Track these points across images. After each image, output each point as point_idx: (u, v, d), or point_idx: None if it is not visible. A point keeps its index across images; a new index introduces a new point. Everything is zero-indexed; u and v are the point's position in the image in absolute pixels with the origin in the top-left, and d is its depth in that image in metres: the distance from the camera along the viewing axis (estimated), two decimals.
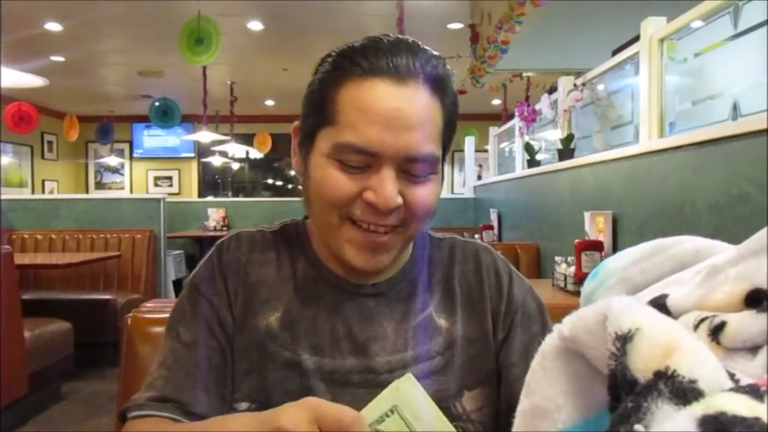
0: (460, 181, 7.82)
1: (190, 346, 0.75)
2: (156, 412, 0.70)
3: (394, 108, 0.67)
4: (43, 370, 3.23)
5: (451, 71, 0.73)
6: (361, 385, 0.74)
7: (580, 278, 2.31)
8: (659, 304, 0.40)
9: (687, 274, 0.43)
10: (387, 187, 0.67)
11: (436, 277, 0.82)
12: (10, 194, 7.34)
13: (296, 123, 0.78)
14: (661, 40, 2.40)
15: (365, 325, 0.77)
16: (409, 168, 0.69)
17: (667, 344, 0.26)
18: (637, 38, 2.58)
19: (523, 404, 0.33)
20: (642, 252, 0.47)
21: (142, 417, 0.71)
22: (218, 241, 0.82)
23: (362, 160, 0.68)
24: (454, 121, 0.74)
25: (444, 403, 0.75)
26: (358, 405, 0.72)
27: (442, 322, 0.79)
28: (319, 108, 0.71)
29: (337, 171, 0.69)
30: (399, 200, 0.69)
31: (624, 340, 0.27)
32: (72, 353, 3.57)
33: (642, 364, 0.26)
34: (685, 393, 0.25)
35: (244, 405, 0.74)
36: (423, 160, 0.69)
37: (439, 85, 0.70)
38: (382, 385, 0.74)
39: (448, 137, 0.74)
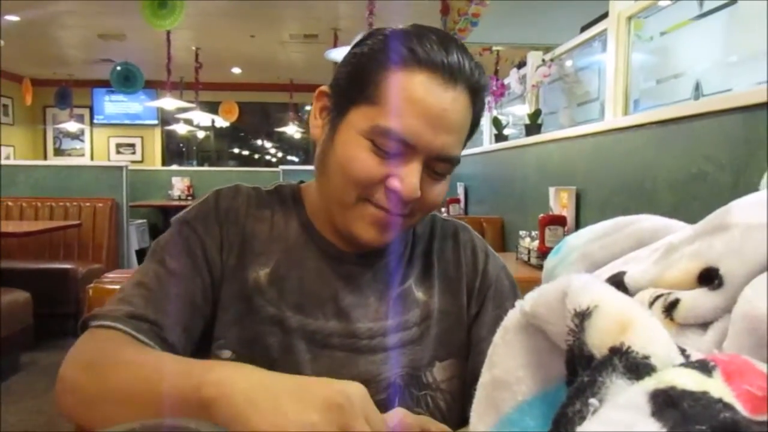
0: None
1: (174, 274, 0.74)
2: (133, 332, 0.66)
3: (442, 108, 0.69)
4: (1, 340, 3.16)
5: (488, 82, 0.76)
6: (340, 348, 0.76)
7: (543, 252, 2.35)
8: (617, 280, 0.41)
9: (645, 252, 0.44)
10: (414, 179, 0.70)
11: (417, 252, 0.85)
12: None
13: (323, 87, 0.77)
14: (629, 18, 2.42)
15: (350, 292, 0.79)
16: (435, 165, 0.72)
17: (623, 321, 0.27)
18: (605, 15, 2.60)
19: (485, 377, 0.34)
20: (602, 229, 0.49)
21: (114, 329, 0.66)
22: (216, 189, 0.83)
23: (396, 148, 0.69)
24: (474, 130, 0.77)
25: (416, 372, 0.78)
26: (337, 367, 0.74)
27: (420, 294, 0.82)
28: (362, 84, 0.71)
29: (367, 152, 0.70)
30: (420, 193, 0.71)
31: (582, 316, 0.27)
32: (31, 324, 3.50)
33: (599, 340, 0.26)
34: (638, 368, 0.25)
35: (227, 353, 0.75)
36: (449, 161, 0.72)
37: (478, 94, 0.73)
38: (361, 351, 0.77)
39: (466, 141, 0.77)
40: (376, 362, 0.76)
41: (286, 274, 0.78)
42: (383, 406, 0.62)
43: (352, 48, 0.75)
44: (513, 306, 0.84)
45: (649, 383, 0.24)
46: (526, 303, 0.32)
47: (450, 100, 0.69)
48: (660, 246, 0.42)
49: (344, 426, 0.46)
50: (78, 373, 0.62)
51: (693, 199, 1.74)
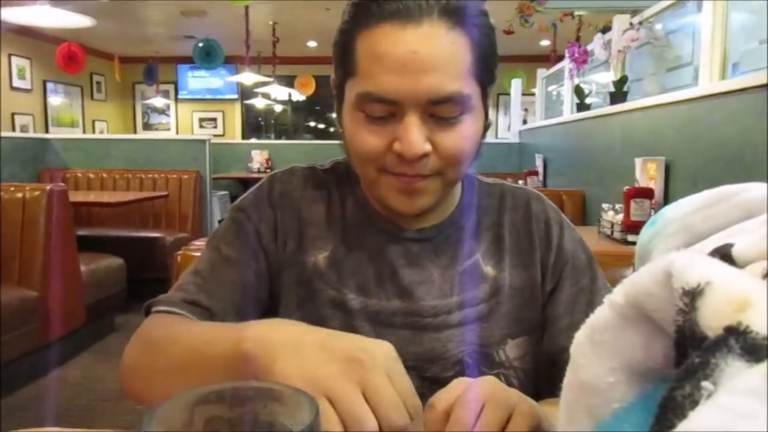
0: (505, 126, 7.64)
1: (228, 261, 0.76)
2: (186, 314, 0.70)
3: (409, 51, 0.64)
4: (98, 302, 3.40)
5: None
6: (405, 327, 0.75)
7: (627, 226, 2.25)
8: (724, 253, 0.38)
9: (754, 223, 0.40)
10: (411, 134, 0.65)
11: (484, 224, 0.81)
12: (62, 134, 7.58)
13: (332, 76, 0.76)
14: None
15: (411, 269, 0.77)
16: (436, 111, 0.66)
17: (740, 298, 0.24)
18: None
19: (569, 378, 0.31)
20: (705, 199, 0.45)
21: (170, 313, 0.71)
22: (271, 173, 0.83)
23: (385, 110, 0.66)
24: (487, 51, 0.69)
25: (487, 349, 0.76)
26: (402, 345, 0.73)
27: (489, 269, 0.78)
28: (343, 59, 0.70)
29: (363, 125, 0.68)
30: (427, 147, 0.67)
31: (693, 295, 0.25)
32: (125, 288, 3.73)
33: (713, 320, 0.24)
34: (757, 350, 0.23)
35: None
36: (448, 100, 0.65)
37: (459, 16, 0.65)
38: (425, 329, 0.75)
39: (485, 70, 0.69)
40: (441, 340, 0.75)
41: (345, 256, 0.77)
42: None
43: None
44: (590, 281, 0.80)
45: None
46: (617, 295, 0.29)
47: (419, 39, 0.63)
48: None
49: (362, 380, 0.45)
50: (137, 352, 0.67)
51: None
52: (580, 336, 0.31)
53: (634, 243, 0.48)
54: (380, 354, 0.47)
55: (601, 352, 0.30)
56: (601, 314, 0.30)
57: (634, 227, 2.19)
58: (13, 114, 7.55)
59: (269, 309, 0.78)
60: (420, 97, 0.64)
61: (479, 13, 0.68)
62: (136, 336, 0.69)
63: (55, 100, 8.56)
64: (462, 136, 0.68)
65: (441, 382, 0.61)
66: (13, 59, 7.59)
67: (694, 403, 0.21)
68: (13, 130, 7.40)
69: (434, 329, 0.75)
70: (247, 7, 5.92)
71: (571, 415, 0.31)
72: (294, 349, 0.48)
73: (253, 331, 0.52)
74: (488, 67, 0.70)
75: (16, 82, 7.68)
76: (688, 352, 0.24)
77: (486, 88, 0.71)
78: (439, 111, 0.66)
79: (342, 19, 0.70)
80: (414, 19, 0.64)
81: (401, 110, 0.66)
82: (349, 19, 0.69)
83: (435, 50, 0.64)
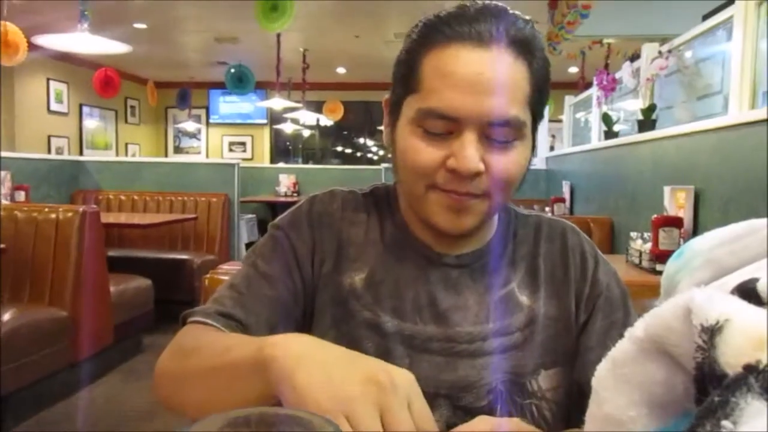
0: None
1: (265, 277, 0.77)
2: (221, 327, 0.71)
3: (476, 72, 0.66)
4: (126, 323, 3.44)
5: (538, 34, 0.71)
6: (439, 353, 0.75)
7: (656, 255, 2.22)
8: (749, 288, 0.38)
9: None
10: (468, 151, 0.67)
11: (520, 254, 0.81)
12: (96, 156, 7.79)
13: (387, 95, 0.78)
14: (759, 3, 2.22)
15: (448, 295, 0.77)
16: (492, 133, 0.68)
17: (759, 336, 0.25)
18: (731, 1, 2.40)
19: (593, 410, 0.31)
20: (732, 233, 0.44)
21: (205, 324, 0.72)
22: (311, 195, 0.84)
23: (444, 126, 0.68)
24: (544, 85, 0.72)
25: (520, 379, 0.75)
26: (435, 372, 0.74)
27: (524, 298, 0.79)
28: (406, 77, 0.72)
29: (420, 139, 0.70)
30: (481, 166, 0.68)
31: (712, 332, 0.25)
32: (152, 308, 3.77)
33: (732, 357, 0.24)
34: None
35: None
36: (506, 124, 0.68)
37: (524, 47, 0.69)
38: (460, 355, 0.75)
39: (538, 102, 0.72)
40: (476, 367, 0.74)
41: (382, 279, 0.78)
42: (485, 413, 0.60)
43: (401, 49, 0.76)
44: (623, 316, 0.79)
45: None
46: (638, 329, 0.30)
47: (485, 62, 0.66)
48: None
49: (383, 404, 0.45)
50: (169, 359, 0.69)
51: None
52: (602, 368, 0.32)
53: (662, 272, 0.48)
54: (403, 380, 0.48)
55: (622, 384, 0.30)
56: (621, 347, 0.30)
57: (662, 256, 2.16)
58: (49, 136, 7.79)
59: (302, 328, 0.78)
60: (482, 117, 0.67)
61: (540, 48, 0.71)
62: (171, 344, 0.71)
63: (91, 123, 8.81)
64: (513, 161, 0.70)
65: (473, 413, 0.60)
66: (52, 83, 7.86)
67: None
68: (49, 152, 7.62)
69: (469, 356, 0.75)
70: (278, 35, 6.05)
71: None
72: (317, 361, 0.49)
73: (273, 339, 0.53)
74: (542, 100, 0.73)
75: (54, 106, 7.94)
76: (708, 389, 0.24)
77: (536, 120, 0.74)
78: (496, 134, 0.68)
79: (408, 38, 0.73)
80: (484, 43, 0.67)
81: (459, 128, 0.68)
82: (417, 38, 0.71)
83: (500, 75, 0.67)
